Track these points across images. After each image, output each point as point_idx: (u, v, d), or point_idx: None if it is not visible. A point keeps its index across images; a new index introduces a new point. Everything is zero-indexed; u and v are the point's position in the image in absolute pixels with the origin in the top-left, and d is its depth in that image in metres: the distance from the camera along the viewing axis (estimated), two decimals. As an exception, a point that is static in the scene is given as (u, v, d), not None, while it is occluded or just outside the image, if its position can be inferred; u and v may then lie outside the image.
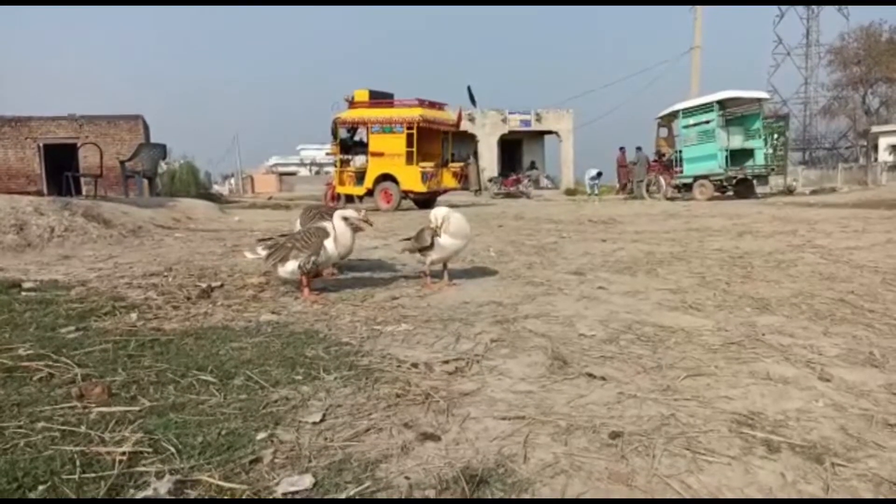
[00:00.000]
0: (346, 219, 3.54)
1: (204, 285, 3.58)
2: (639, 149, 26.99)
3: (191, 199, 12.51)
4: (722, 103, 15.46)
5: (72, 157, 24.32)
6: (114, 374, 2.07)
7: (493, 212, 11.73)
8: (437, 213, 3.80)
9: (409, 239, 4.11)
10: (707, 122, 15.47)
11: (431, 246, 3.80)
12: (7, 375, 2.04)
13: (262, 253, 3.45)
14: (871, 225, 6.51)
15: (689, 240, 6.11)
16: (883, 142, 37.68)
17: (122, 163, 12.02)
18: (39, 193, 23.13)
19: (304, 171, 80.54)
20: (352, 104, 14.21)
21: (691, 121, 15.91)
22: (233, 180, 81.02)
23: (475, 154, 31.08)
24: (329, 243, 3.41)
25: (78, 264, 5.01)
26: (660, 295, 3.53)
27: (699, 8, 27.63)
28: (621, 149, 28.16)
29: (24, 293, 3.39)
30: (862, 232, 5.90)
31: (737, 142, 15.71)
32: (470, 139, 31.49)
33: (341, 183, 14.24)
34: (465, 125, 30.42)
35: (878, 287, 3.56)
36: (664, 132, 18.27)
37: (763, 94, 16.10)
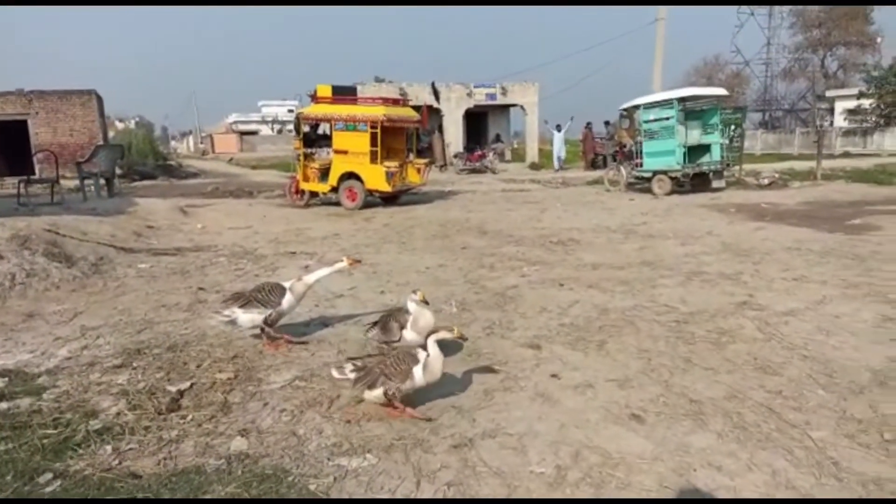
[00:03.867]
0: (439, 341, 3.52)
1: (173, 390, 3.71)
2: (607, 123, 27.30)
3: (148, 200, 12.33)
4: (682, 100, 15.74)
5: (23, 133, 23.40)
6: (97, 565, 2.24)
7: (457, 219, 11.88)
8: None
9: (375, 324, 4.36)
10: (667, 118, 15.74)
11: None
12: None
13: (350, 375, 3.49)
14: (811, 266, 6.95)
15: (642, 283, 6.42)
16: (839, 105, 38.45)
17: (78, 164, 11.72)
18: (-11, 172, 22.30)
19: (266, 130, 78.28)
20: (315, 99, 14.01)
21: (651, 116, 16.14)
22: (191, 138, 78.30)
23: (440, 129, 31.03)
24: (418, 371, 3.42)
25: (44, 329, 5.05)
26: (608, 394, 3.82)
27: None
28: (587, 125, 28.51)
29: (-5, 404, 3.48)
30: (800, 281, 6.30)
31: (694, 137, 16.05)
32: (435, 113, 31.27)
33: (305, 179, 14.11)
34: (430, 101, 30.27)
35: (805, 384, 3.90)
36: (626, 123, 18.52)
37: (722, 91, 16.40)
